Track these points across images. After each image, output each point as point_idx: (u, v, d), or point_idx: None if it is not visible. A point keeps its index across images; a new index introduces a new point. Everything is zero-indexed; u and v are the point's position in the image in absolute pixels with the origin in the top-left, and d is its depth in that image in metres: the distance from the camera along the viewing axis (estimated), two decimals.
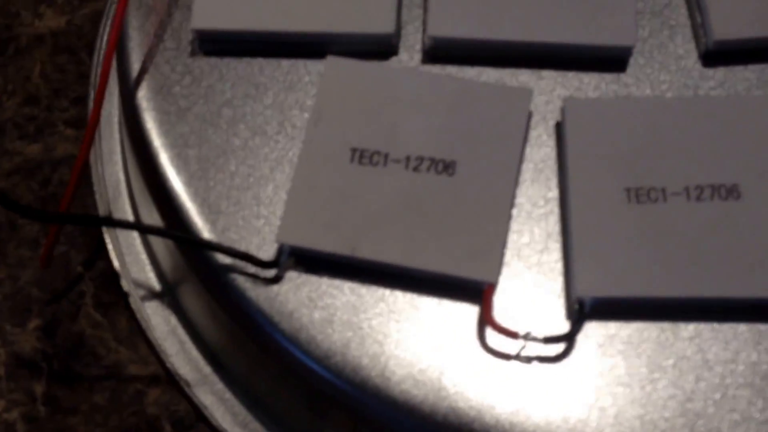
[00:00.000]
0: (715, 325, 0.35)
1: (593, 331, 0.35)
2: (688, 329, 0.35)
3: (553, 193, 0.38)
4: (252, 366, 0.40)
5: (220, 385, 0.41)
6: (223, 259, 0.37)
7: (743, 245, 0.35)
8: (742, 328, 0.35)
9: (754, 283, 0.35)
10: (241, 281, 0.37)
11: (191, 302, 0.41)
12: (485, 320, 0.35)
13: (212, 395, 0.41)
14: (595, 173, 0.37)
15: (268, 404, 0.40)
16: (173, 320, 0.42)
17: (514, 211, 0.38)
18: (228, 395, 0.41)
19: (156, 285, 0.43)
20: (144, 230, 0.42)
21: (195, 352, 0.42)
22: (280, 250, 0.36)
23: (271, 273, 0.36)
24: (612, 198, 0.37)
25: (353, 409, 0.35)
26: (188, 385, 0.41)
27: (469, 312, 0.36)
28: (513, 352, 0.35)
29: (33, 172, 0.45)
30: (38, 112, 0.47)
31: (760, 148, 0.37)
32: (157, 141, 0.39)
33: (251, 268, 0.36)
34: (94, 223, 0.44)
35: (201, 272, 0.38)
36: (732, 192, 0.37)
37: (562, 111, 0.39)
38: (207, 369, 0.41)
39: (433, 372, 0.35)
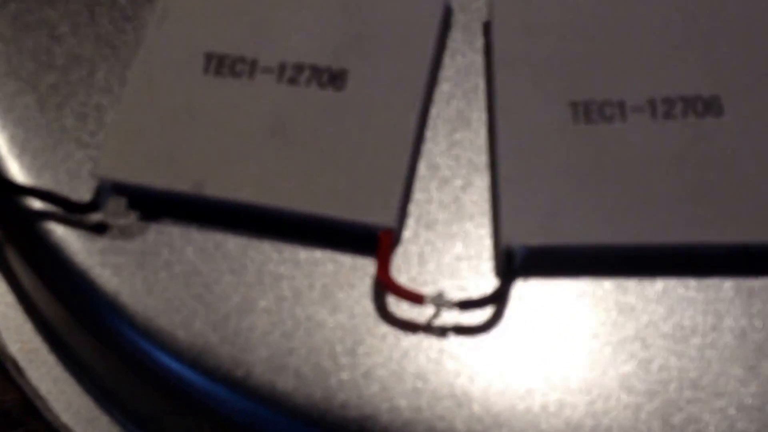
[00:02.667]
0: (691, 283, 0.26)
1: (529, 291, 0.26)
2: (654, 288, 0.26)
3: (479, 113, 0.29)
4: (84, 346, 0.30)
5: (58, 369, 0.31)
6: (35, 206, 0.27)
7: (723, 175, 0.26)
8: (727, 285, 0.26)
9: (741, 225, 0.26)
10: (58, 235, 0.27)
11: (17, 265, 0.32)
12: (381, 280, 0.25)
13: (48, 380, 0.31)
14: (530, 85, 0.28)
15: (115, 393, 0.31)
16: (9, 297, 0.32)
17: (428, 135, 0.28)
18: (67, 379, 0.31)
19: None
20: None
21: (28, 325, 0.32)
22: (99, 189, 0.26)
23: (92, 220, 0.27)
24: (553, 117, 0.28)
25: (205, 404, 0.26)
26: (16, 367, 0.31)
27: (363, 270, 0.26)
28: (421, 321, 0.26)
29: None
30: None
31: (743, 52, 0.28)
32: None
33: (68, 216, 0.27)
34: None
35: (10, 225, 0.29)
36: (711, 106, 0.27)
37: (489, 8, 0.29)
38: (42, 347, 0.32)
39: (309, 354, 0.25)
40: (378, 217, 0.26)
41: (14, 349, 0.32)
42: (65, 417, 0.31)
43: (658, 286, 0.26)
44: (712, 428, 0.24)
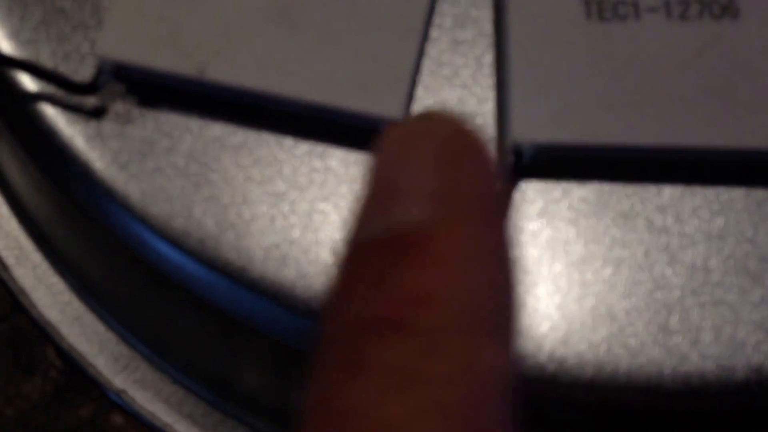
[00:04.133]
0: (698, 190, 0.26)
1: (534, 193, 0.26)
2: (662, 195, 0.26)
3: (487, 10, 0.28)
4: (79, 241, 0.29)
5: (44, 267, 0.31)
6: (28, 84, 0.26)
7: (738, 80, 0.25)
8: (736, 194, 0.26)
9: (756, 130, 0.25)
10: (52, 116, 0.26)
11: (4, 154, 0.31)
12: None
13: (33, 278, 0.31)
14: None
15: (107, 293, 0.30)
16: None
17: (433, 33, 0.27)
18: (54, 280, 0.31)
19: None
20: None
21: (14, 224, 0.31)
22: (100, 69, 0.25)
23: (89, 102, 0.26)
24: (565, 12, 0.27)
25: (203, 295, 0.26)
26: (3, 265, 0.31)
27: (366, 165, 0.26)
28: None
29: None
30: None
31: None
32: None
33: (64, 98, 0.26)
34: None
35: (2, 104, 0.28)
36: (728, 9, 0.26)
37: None
38: (29, 246, 0.31)
39: (309, 246, 0.25)
40: (385, 108, 0.25)
41: (1, 247, 0.31)
42: (50, 313, 0.30)
43: (665, 193, 0.26)
44: (709, 335, 0.24)
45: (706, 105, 0.25)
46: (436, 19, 0.28)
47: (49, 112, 0.27)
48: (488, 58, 0.27)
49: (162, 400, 0.29)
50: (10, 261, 0.31)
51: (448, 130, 0.14)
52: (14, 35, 0.27)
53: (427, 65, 0.27)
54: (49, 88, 0.26)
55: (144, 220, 0.25)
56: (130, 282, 0.29)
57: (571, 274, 0.25)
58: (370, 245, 0.13)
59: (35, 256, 0.31)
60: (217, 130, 0.26)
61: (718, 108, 0.25)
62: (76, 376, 0.30)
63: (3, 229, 0.31)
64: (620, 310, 0.24)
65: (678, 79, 0.26)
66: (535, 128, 0.25)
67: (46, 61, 0.27)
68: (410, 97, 0.26)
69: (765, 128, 0.25)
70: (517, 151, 0.25)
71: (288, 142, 0.26)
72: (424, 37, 0.27)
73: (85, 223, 0.28)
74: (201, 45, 0.25)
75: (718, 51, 0.26)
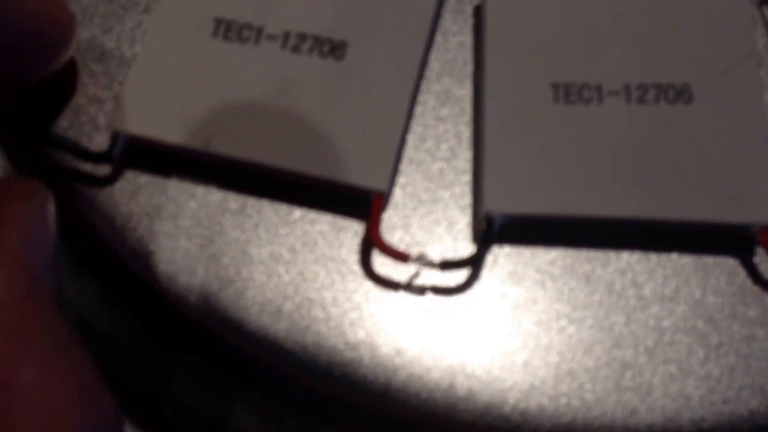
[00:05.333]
0: (653, 256, 0.28)
1: (504, 257, 0.28)
2: (620, 260, 0.28)
3: (466, 90, 0.31)
4: (84, 293, 0.32)
5: None
6: (50, 154, 0.29)
7: (691, 158, 0.28)
8: (685, 260, 0.28)
9: (705, 204, 0.28)
10: (67, 184, 0.29)
11: None
12: (371, 239, 0.28)
13: None
14: (517, 65, 0.30)
15: (107, 341, 0.33)
16: None
17: (417, 110, 0.30)
18: None
19: None
20: None
21: None
22: (115, 140, 0.28)
23: (103, 170, 0.29)
24: (536, 96, 0.29)
25: (202, 341, 0.28)
26: None
27: (353, 231, 0.29)
28: (403, 281, 0.28)
29: None
30: None
31: (714, 45, 0.30)
32: None
33: (78, 165, 0.29)
34: None
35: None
36: (682, 94, 0.29)
37: None
38: None
39: (302, 303, 0.28)
40: (372, 181, 0.28)
41: None
42: None
43: (623, 258, 0.29)
44: (659, 390, 0.27)
45: (660, 181, 0.28)
46: (420, 96, 0.31)
47: (64, 176, 0.29)
48: (467, 134, 0.30)
49: None
50: None
51: None
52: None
53: (411, 139, 0.30)
54: (65, 156, 0.29)
55: (150, 276, 0.28)
56: (132, 336, 0.32)
57: (538, 333, 0.28)
58: None
59: None
60: (219, 196, 0.29)
61: (670, 184, 0.28)
62: None
63: None
64: (580, 367, 0.27)
65: (635, 157, 0.29)
66: (505, 200, 0.28)
67: (62, 130, 0.30)
68: (395, 170, 0.29)
69: (711, 202, 0.28)
70: (489, 220, 0.28)
71: (283, 208, 0.29)
72: (409, 117, 0.30)
73: (90, 278, 0.30)
74: (207, 121, 0.28)
75: (672, 132, 0.29)
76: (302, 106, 0.29)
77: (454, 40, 0.32)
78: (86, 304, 0.31)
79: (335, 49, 0.30)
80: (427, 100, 0.31)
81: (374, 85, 0.29)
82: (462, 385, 0.27)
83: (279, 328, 0.27)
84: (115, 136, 0.28)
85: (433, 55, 0.31)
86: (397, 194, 0.29)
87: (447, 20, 0.32)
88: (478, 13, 0.32)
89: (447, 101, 0.31)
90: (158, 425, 0.31)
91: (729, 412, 0.27)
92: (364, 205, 0.28)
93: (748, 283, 0.28)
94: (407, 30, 0.30)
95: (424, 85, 0.31)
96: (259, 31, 0.30)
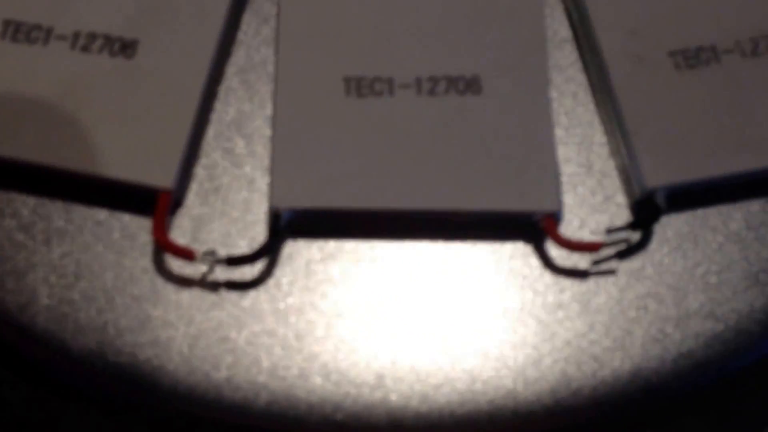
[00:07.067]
0: (440, 245, 0.29)
1: (297, 249, 0.29)
2: (408, 249, 0.29)
3: (266, 85, 0.31)
4: None
5: None
6: None
7: (480, 149, 0.29)
8: (481, 247, 0.29)
9: (490, 193, 0.29)
10: None
11: None
12: (156, 238, 0.28)
13: None
14: (309, 60, 0.30)
15: None
16: None
17: (214, 106, 0.31)
18: None
19: None
20: None
21: None
22: None
23: None
24: (327, 90, 0.30)
25: None
26: None
27: (143, 230, 0.29)
28: (196, 277, 0.28)
29: None
30: None
31: (504, 37, 0.31)
32: None
33: None
34: None
35: None
36: (471, 85, 0.30)
37: None
38: None
39: (89, 304, 0.28)
40: (157, 179, 0.28)
41: None
42: None
43: (410, 247, 0.29)
44: None
45: (448, 172, 0.29)
46: (221, 93, 0.31)
47: None
48: (268, 131, 0.30)
49: None
50: None
51: None
52: None
53: (210, 135, 0.30)
54: None
55: None
56: None
57: (324, 321, 0.28)
58: None
59: None
60: (7, 197, 0.29)
61: (458, 175, 0.29)
62: None
63: None
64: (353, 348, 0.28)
65: (425, 149, 0.29)
66: (291, 195, 0.28)
67: None
68: (185, 168, 0.29)
69: (496, 192, 0.29)
70: (276, 215, 0.28)
71: (76, 209, 0.29)
72: (204, 115, 0.30)
73: None
74: None
75: (461, 124, 0.30)
76: (90, 106, 0.29)
77: (257, 37, 0.32)
78: None
79: (126, 48, 0.30)
80: (228, 97, 0.31)
81: (165, 82, 0.30)
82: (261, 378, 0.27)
83: (66, 331, 0.27)
84: None
85: (236, 52, 0.32)
86: (193, 191, 0.29)
87: (251, 17, 0.32)
88: (278, 9, 0.32)
89: (249, 97, 0.31)
90: None
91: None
92: (150, 202, 0.28)
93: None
94: (199, 29, 0.31)
95: (224, 82, 0.31)
96: (49, 31, 0.30)
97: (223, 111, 0.31)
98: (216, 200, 0.29)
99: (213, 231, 0.29)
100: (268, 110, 0.31)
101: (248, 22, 0.32)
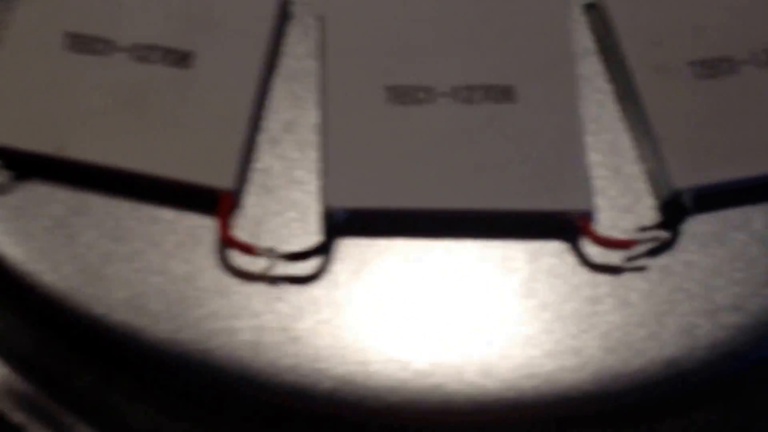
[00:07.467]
0: (491, 243, 0.31)
1: (352, 247, 0.31)
2: (452, 247, 0.31)
3: (313, 95, 0.33)
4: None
5: None
6: None
7: (515, 152, 0.31)
8: (515, 246, 0.31)
9: (526, 194, 0.31)
10: None
11: None
12: (221, 235, 0.29)
13: None
14: (354, 70, 0.32)
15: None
16: None
17: (265, 113, 0.33)
18: None
19: None
20: None
21: None
22: None
23: None
24: (371, 98, 0.32)
25: (71, 339, 0.30)
26: None
27: (207, 228, 0.30)
28: (257, 272, 0.30)
29: None
30: None
31: (534, 49, 0.33)
32: None
33: None
34: None
35: None
36: (506, 94, 0.32)
37: (324, 3, 0.34)
38: None
39: (161, 298, 0.29)
40: (217, 180, 0.30)
41: None
42: None
43: (454, 245, 0.31)
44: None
45: (485, 175, 0.31)
46: (272, 101, 0.33)
47: None
48: (314, 137, 0.32)
49: None
50: None
51: None
52: None
53: (262, 140, 0.32)
54: None
55: (19, 277, 0.30)
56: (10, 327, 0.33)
57: (384, 313, 0.30)
58: None
59: None
60: (80, 197, 0.31)
61: (495, 177, 0.31)
62: None
63: None
64: (433, 331, 0.30)
65: (464, 153, 0.31)
66: (343, 195, 0.30)
67: None
68: (242, 171, 0.31)
69: (532, 193, 0.31)
70: (330, 214, 0.30)
71: (143, 207, 0.31)
72: (256, 120, 0.32)
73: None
74: (61, 127, 0.30)
75: (497, 129, 0.32)
76: (152, 112, 0.31)
77: (299, 48, 0.34)
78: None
79: (183, 59, 0.32)
80: (278, 105, 0.33)
81: (219, 89, 0.31)
82: (306, 365, 0.29)
83: (141, 322, 0.29)
84: None
85: (282, 62, 0.33)
86: (250, 193, 0.31)
87: (293, 28, 0.34)
88: (323, 22, 0.34)
89: (296, 105, 0.33)
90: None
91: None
92: (213, 202, 0.30)
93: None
94: (248, 41, 0.32)
95: (274, 91, 0.33)
96: (110, 43, 0.32)
97: (272, 118, 0.33)
98: (270, 201, 0.31)
99: (269, 230, 0.31)
100: (314, 117, 0.32)
101: (292, 34, 0.34)
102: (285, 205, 0.31)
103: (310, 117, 0.32)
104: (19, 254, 0.30)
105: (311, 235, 0.31)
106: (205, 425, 0.29)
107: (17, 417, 0.31)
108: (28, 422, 0.31)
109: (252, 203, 0.31)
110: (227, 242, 0.29)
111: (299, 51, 0.34)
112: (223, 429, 0.29)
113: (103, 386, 0.30)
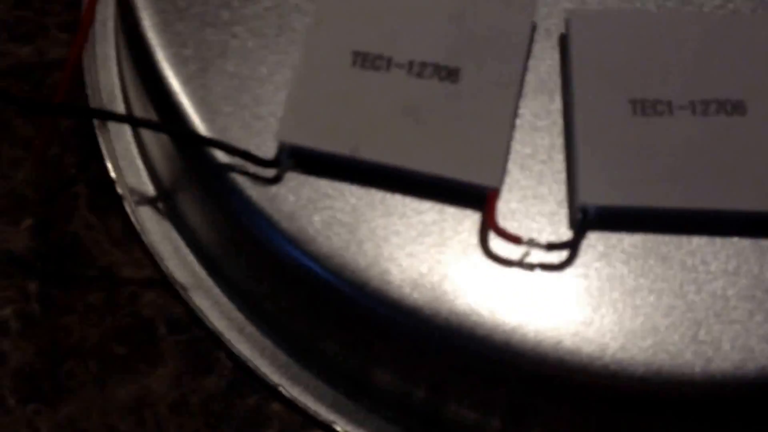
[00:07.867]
0: (718, 239, 0.35)
1: (596, 240, 0.35)
2: (691, 242, 0.35)
3: (556, 105, 0.38)
4: (249, 269, 0.39)
5: (216, 290, 0.41)
6: (222, 158, 0.36)
7: (746, 159, 0.35)
8: (745, 242, 0.35)
9: (757, 196, 0.34)
10: (240, 181, 0.36)
11: (188, 206, 0.41)
12: (488, 225, 0.34)
13: (208, 299, 0.40)
14: (600, 85, 0.37)
15: (265, 308, 0.40)
16: (168, 225, 0.41)
17: (517, 122, 0.37)
18: (224, 300, 0.40)
19: (151, 190, 0.42)
20: (140, 124, 0.41)
21: (191, 257, 0.41)
22: (281, 149, 0.35)
23: (271, 173, 0.36)
24: (617, 110, 0.36)
25: (351, 311, 0.35)
26: (184, 288, 0.40)
27: (472, 218, 0.35)
28: (516, 259, 0.35)
29: (25, 75, 0.44)
30: (30, 15, 0.46)
31: (765, 65, 0.37)
32: (154, 40, 0.38)
33: (251, 168, 0.36)
34: (88, 115, 0.43)
35: (198, 172, 0.38)
36: (737, 108, 0.36)
37: (567, 23, 0.38)
38: (203, 273, 0.41)
39: (434, 276, 0.34)
40: (487, 179, 0.35)
41: (181, 276, 0.41)
42: (221, 326, 0.40)
43: (693, 241, 0.35)
44: (727, 344, 0.34)
45: (721, 178, 0.35)
46: (520, 111, 0.38)
47: (236, 178, 0.36)
48: (559, 142, 0.37)
49: (310, 392, 0.38)
50: (188, 286, 0.41)
51: None
52: (206, 116, 0.37)
53: (514, 145, 0.37)
54: (237, 162, 0.36)
55: (307, 254, 0.35)
56: (287, 301, 0.39)
57: (625, 300, 0.34)
58: None
59: (208, 282, 0.41)
60: (362, 191, 0.36)
61: (729, 179, 0.35)
62: (244, 374, 0.39)
63: (183, 260, 0.41)
64: (662, 326, 0.34)
65: (701, 159, 0.35)
66: (597, 193, 0.35)
67: (230, 136, 0.37)
68: (504, 170, 0.36)
69: (762, 196, 0.35)
70: (584, 211, 0.35)
71: (414, 202, 0.36)
72: (513, 126, 0.37)
73: (252, 256, 0.38)
74: (353, 133, 0.35)
75: (730, 139, 0.36)
76: (428, 120, 0.36)
77: (544, 64, 0.39)
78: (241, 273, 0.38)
79: (451, 74, 0.37)
80: (524, 115, 0.37)
81: (484, 102, 0.36)
82: (568, 342, 0.33)
83: (417, 297, 0.34)
84: (282, 146, 0.36)
85: (529, 76, 0.38)
86: (505, 191, 0.36)
87: (537, 47, 0.39)
88: (564, 41, 0.39)
89: (540, 115, 0.38)
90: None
91: None
92: (479, 199, 0.35)
93: None
94: (508, 56, 0.37)
95: (521, 102, 0.38)
96: (389, 60, 0.37)
97: (522, 127, 0.37)
98: (523, 195, 0.36)
99: (519, 220, 0.35)
100: (558, 125, 0.37)
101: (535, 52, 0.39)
102: (536, 199, 0.36)
103: (554, 125, 0.37)
104: (306, 230, 0.35)
105: (559, 227, 0.35)
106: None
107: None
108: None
109: (506, 196, 0.36)
110: (497, 232, 0.34)
111: (543, 65, 0.38)
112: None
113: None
